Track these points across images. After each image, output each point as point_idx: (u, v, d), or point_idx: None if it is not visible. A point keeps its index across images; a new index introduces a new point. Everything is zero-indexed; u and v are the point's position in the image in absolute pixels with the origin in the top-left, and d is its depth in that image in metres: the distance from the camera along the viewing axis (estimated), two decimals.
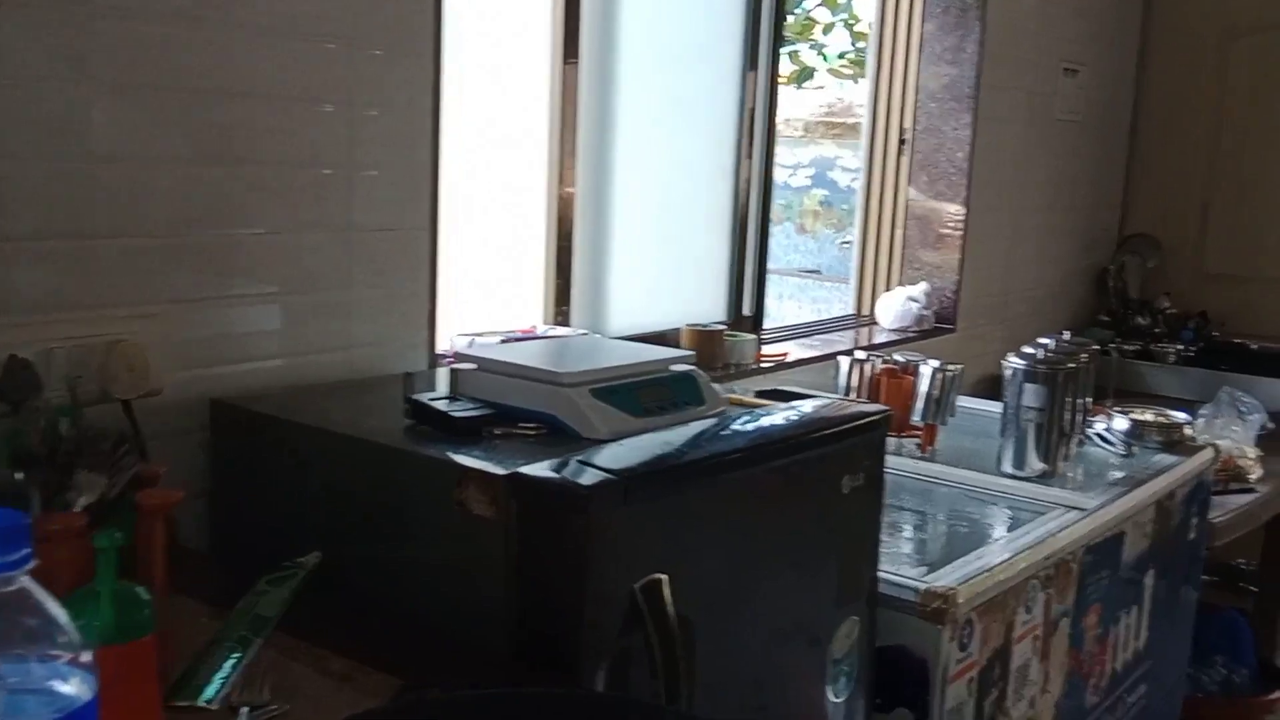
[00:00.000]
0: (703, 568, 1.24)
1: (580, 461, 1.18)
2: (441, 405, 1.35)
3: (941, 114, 3.22)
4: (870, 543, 1.51)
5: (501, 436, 1.30)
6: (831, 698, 1.46)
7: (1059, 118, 3.58)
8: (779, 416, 1.42)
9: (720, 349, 2.53)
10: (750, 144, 2.76)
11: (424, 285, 1.83)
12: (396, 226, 1.77)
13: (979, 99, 3.17)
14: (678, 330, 2.57)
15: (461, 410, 1.34)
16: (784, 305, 7.93)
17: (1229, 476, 2.84)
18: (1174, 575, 2.35)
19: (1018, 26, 3.31)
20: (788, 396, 1.60)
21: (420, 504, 1.24)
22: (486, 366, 1.42)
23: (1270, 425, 3.14)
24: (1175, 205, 4.02)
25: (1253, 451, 2.90)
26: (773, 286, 8.12)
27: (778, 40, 2.76)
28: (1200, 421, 2.99)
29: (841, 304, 3.60)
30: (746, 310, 2.84)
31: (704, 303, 2.77)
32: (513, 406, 1.35)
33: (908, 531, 2.03)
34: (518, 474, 1.15)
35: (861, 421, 1.44)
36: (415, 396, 1.38)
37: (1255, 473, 2.88)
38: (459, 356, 1.52)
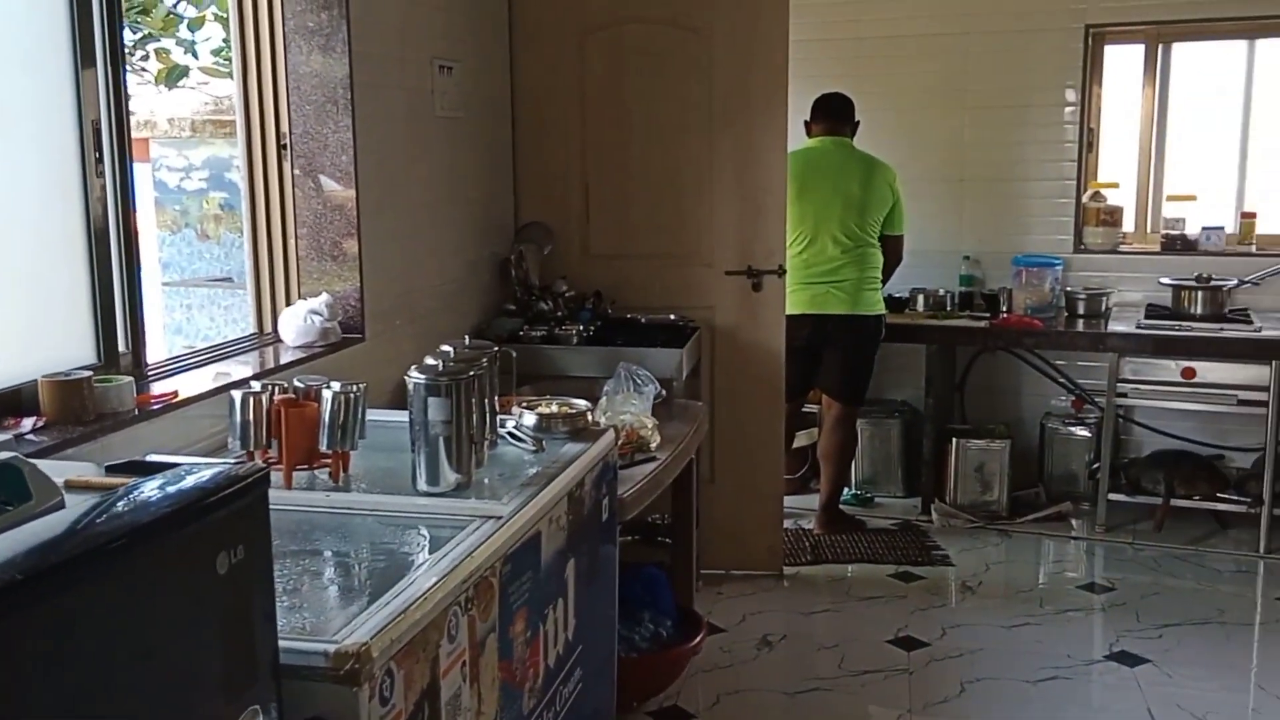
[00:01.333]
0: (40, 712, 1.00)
1: None
2: None
3: (319, 116, 3.07)
4: (263, 617, 1.34)
5: None
6: None
7: (440, 114, 3.58)
8: (122, 503, 1.19)
9: (89, 399, 2.20)
10: (99, 155, 2.42)
11: None
12: None
13: (355, 99, 3.06)
14: (34, 383, 2.20)
15: None
16: (196, 319, 7.39)
17: (634, 449, 3.03)
18: (593, 558, 2.43)
19: (384, 24, 3.25)
20: (147, 469, 1.38)
21: None
22: None
23: (663, 393, 3.40)
24: (559, 192, 4.23)
25: (650, 421, 3.11)
26: (179, 299, 7.56)
27: (115, 36, 2.44)
28: (603, 399, 3.16)
29: None
30: (122, 347, 2.51)
31: (68, 346, 2.40)
32: None
33: (325, 577, 1.89)
34: None
35: (232, 489, 1.26)
36: None
37: (655, 440, 3.09)
38: None
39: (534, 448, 2.39)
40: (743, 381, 4.20)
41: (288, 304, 3.14)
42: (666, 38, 4.11)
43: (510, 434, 2.44)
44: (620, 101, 4.16)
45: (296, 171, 3.11)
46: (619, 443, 2.82)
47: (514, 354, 2.69)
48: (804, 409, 4.97)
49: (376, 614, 1.56)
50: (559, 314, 3.97)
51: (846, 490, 5.05)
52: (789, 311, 4.31)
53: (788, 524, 4.62)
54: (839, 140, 4.63)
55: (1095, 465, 4.91)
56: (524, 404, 2.59)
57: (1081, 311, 4.97)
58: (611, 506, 2.55)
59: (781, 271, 4.16)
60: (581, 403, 2.61)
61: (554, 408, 2.55)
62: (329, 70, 3.04)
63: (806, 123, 4.69)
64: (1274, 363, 4.42)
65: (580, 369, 3.74)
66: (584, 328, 3.88)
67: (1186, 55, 5.20)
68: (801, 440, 5.13)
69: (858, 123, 4.68)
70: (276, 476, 2.13)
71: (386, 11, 3.26)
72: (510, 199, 4.21)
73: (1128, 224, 5.26)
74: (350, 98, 3.05)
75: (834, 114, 4.64)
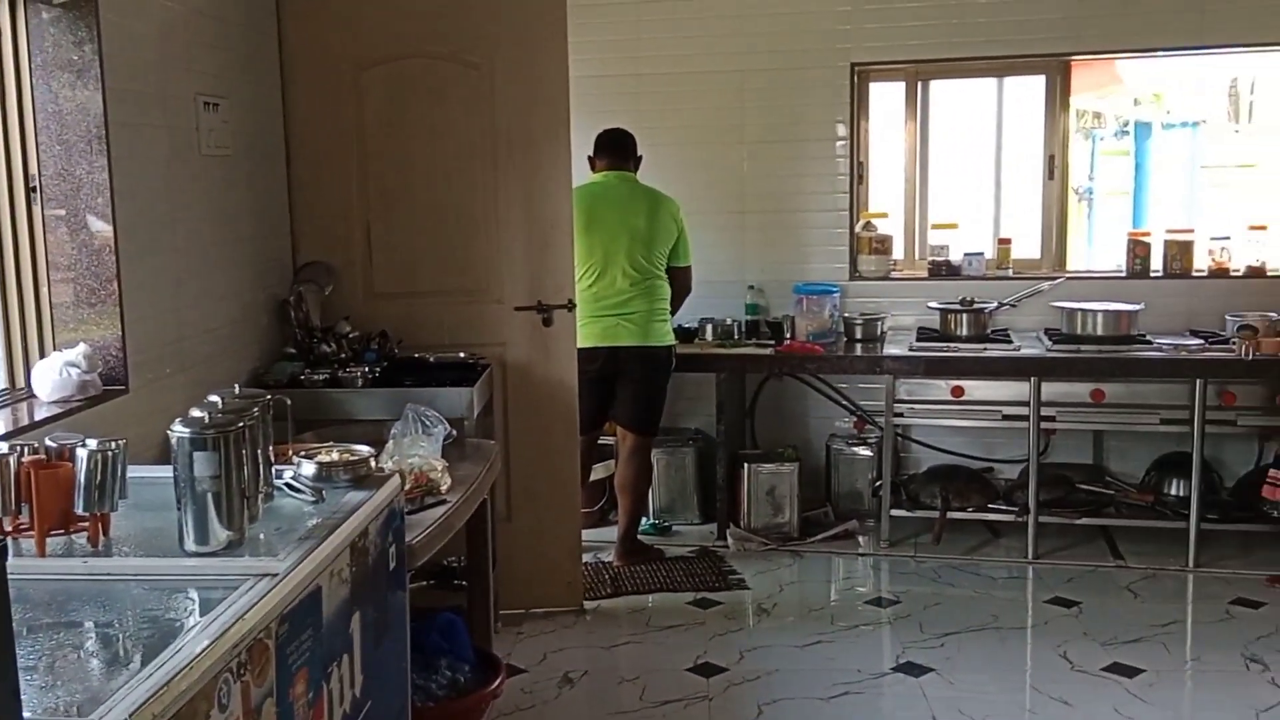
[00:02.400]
0: None
1: None
2: None
3: (72, 155, 2.89)
4: (9, 697, 1.23)
5: None
6: None
7: (207, 152, 3.43)
8: None
9: None
10: None
11: None
12: None
13: (111, 137, 2.90)
14: None
15: None
16: None
17: (423, 492, 2.95)
18: (381, 609, 2.35)
19: (142, 59, 3.09)
20: None
21: None
22: None
23: (454, 433, 3.34)
24: (340, 230, 4.12)
25: (440, 463, 3.04)
26: None
27: None
28: (390, 443, 3.07)
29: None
30: None
31: None
32: None
33: (84, 651, 1.75)
34: None
35: None
36: None
37: (445, 482, 3.03)
38: None
39: (313, 498, 2.30)
40: (536, 417, 4.18)
41: (42, 356, 2.93)
42: (447, 73, 4.08)
43: (288, 485, 2.34)
44: (401, 137, 4.09)
45: (49, 214, 2.92)
46: (406, 487, 2.75)
47: (288, 401, 2.58)
48: (600, 441, 4.98)
49: (137, 688, 1.45)
50: (343, 355, 3.86)
51: (645, 520, 5.09)
52: (581, 344, 4.33)
53: (587, 558, 4.62)
54: (623, 174, 4.69)
55: (878, 483, 5.11)
56: (303, 452, 2.49)
57: (859, 336, 5.19)
58: (400, 554, 2.48)
59: (571, 305, 4.17)
60: (364, 448, 2.52)
61: (335, 455, 2.46)
62: (82, 108, 2.87)
63: (590, 158, 4.74)
64: (1033, 379, 4.71)
65: (366, 412, 3.64)
66: (369, 369, 3.78)
67: (944, 92, 5.53)
68: (599, 472, 5.15)
69: (640, 157, 4.76)
70: (29, 543, 1.98)
71: (144, 46, 3.11)
72: (287, 238, 4.07)
73: (898, 251, 5.53)
74: (105, 136, 2.88)
75: (617, 149, 4.70)
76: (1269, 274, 5.10)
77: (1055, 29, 5.13)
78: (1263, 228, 5.17)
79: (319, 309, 3.99)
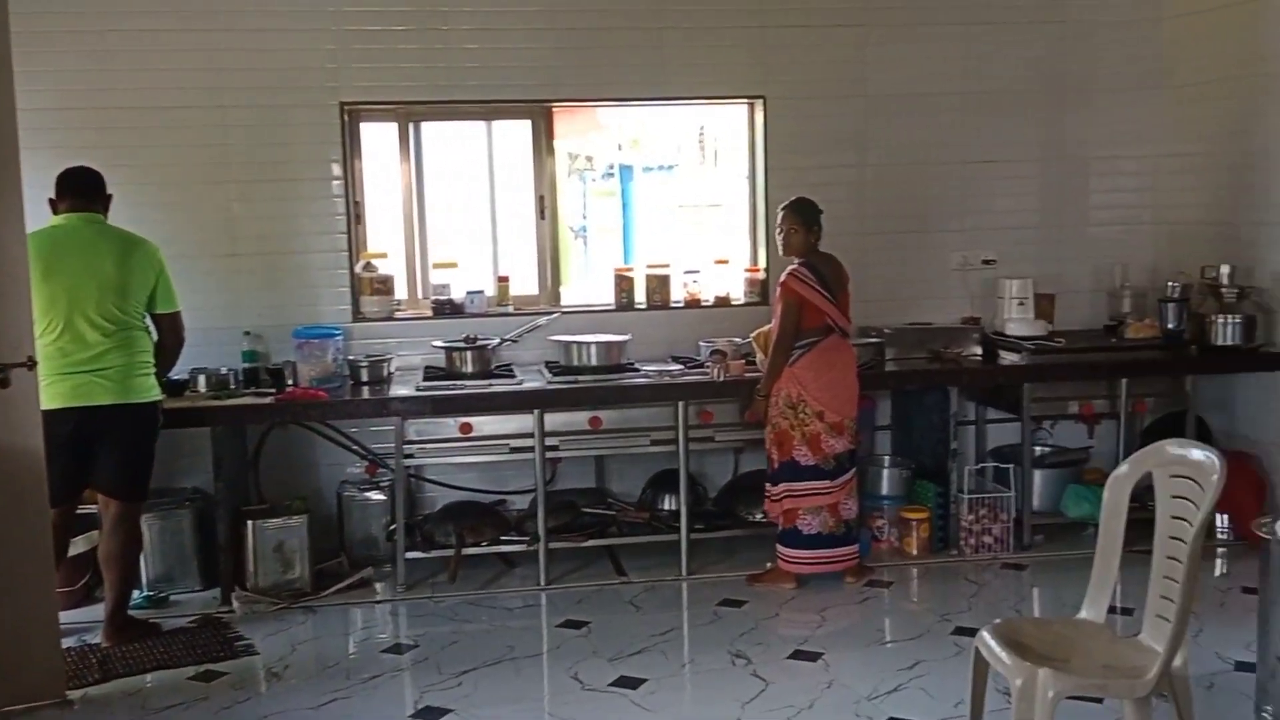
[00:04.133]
0: None
1: None
2: None
3: None
4: None
5: None
6: None
7: None
8: None
9: None
10: None
11: None
12: None
13: None
14: None
15: None
16: None
17: None
18: None
19: None
20: None
21: None
22: None
23: None
24: None
25: None
26: None
27: None
28: None
29: None
30: None
31: None
32: None
33: None
34: None
35: None
36: None
37: None
38: None
39: None
40: None
41: None
42: None
43: None
44: None
45: None
46: None
47: None
48: (79, 511, 4.48)
49: None
50: None
51: (137, 593, 4.66)
52: (47, 406, 3.89)
53: (70, 642, 4.18)
54: (89, 216, 4.27)
55: (392, 526, 5.04)
56: None
57: (365, 379, 5.10)
58: None
59: (32, 363, 3.73)
60: None
61: None
62: None
63: (51, 200, 4.28)
64: (536, 410, 4.88)
65: None
66: None
67: (436, 132, 5.60)
68: (80, 546, 4.64)
69: (110, 196, 4.36)
70: None
71: None
72: None
73: (400, 291, 5.52)
74: None
75: (80, 189, 4.27)
76: (733, 303, 5.66)
77: (536, 76, 5.38)
78: (725, 261, 5.75)
79: None
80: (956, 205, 5.77)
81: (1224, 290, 5.22)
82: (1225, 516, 5.18)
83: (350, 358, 5.17)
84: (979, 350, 5.33)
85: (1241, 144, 5.36)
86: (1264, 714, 3.46)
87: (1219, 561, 5.07)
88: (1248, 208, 5.33)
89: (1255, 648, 3.56)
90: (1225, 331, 5.21)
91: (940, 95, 5.69)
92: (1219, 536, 5.19)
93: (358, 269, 5.37)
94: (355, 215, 5.42)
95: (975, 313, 5.71)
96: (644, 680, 3.95)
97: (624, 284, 5.61)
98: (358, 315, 5.36)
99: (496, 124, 5.62)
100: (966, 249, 5.77)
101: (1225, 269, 5.23)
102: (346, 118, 5.30)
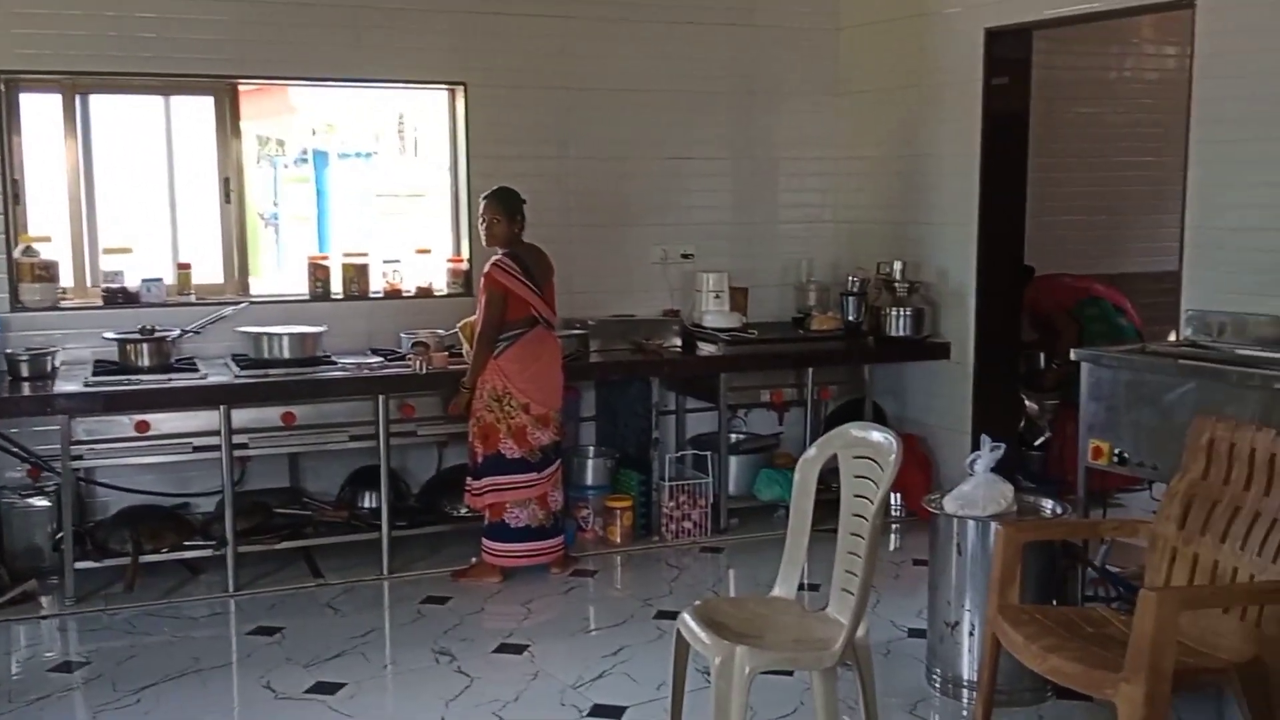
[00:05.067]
0: None
1: None
2: None
3: None
4: None
5: None
6: None
7: None
8: None
9: None
10: None
11: None
12: None
13: None
14: None
15: None
16: None
17: None
18: None
19: None
20: None
21: None
22: None
23: None
24: None
25: None
26: None
27: None
28: None
29: None
30: None
31: None
32: None
33: None
34: None
35: None
36: None
37: None
38: None
39: None
40: None
41: None
42: None
43: None
44: None
45: None
46: None
47: None
48: None
49: None
50: None
51: None
52: None
53: None
54: None
55: (59, 534, 4.60)
56: None
57: (26, 374, 4.63)
58: None
59: None
60: None
61: None
62: None
63: None
64: (222, 407, 4.58)
65: None
66: None
67: (108, 107, 5.16)
68: None
69: None
70: None
71: None
72: None
73: (66, 279, 5.04)
74: None
75: None
76: (436, 294, 5.55)
77: (220, 50, 5.04)
78: (427, 251, 5.62)
79: None
80: (657, 200, 5.90)
81: (896, 285, 5.61)
82: (899, 495, 5.57)
83: (8, 351, 4.67)
84: (679, 342, 5.48)
85: (909, 149, 5.78)
86: (934, 675, 3.74)
87: (893, 536, 5.45)
88: (915, 208, 5.76)
89: (926, 615, 3.85)
90: (898, 323, 5.60)
91: (641, 91, 5.79)
92: (893, 513, 5.57)
93: (16, 253, 4.86)
94: (13, 195, 4.90)
95: (675, 305, 5.87)
96: (343, 685, 3.79)
97: (319, 273, 5.37)
98: (16, 304, 4.85)
99: (176, 100, 5.23)
100: (667, 243, 5.91)
101: (898, 265, 5.62)
102: (3, 87, 4.79)
